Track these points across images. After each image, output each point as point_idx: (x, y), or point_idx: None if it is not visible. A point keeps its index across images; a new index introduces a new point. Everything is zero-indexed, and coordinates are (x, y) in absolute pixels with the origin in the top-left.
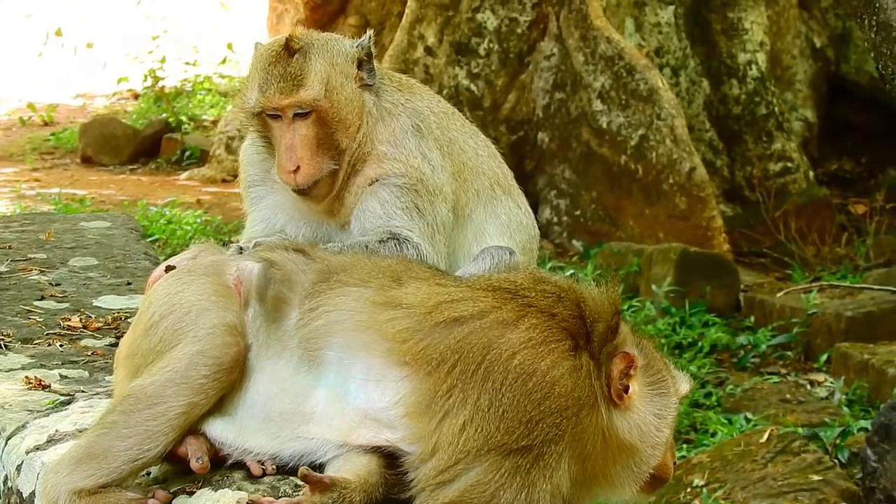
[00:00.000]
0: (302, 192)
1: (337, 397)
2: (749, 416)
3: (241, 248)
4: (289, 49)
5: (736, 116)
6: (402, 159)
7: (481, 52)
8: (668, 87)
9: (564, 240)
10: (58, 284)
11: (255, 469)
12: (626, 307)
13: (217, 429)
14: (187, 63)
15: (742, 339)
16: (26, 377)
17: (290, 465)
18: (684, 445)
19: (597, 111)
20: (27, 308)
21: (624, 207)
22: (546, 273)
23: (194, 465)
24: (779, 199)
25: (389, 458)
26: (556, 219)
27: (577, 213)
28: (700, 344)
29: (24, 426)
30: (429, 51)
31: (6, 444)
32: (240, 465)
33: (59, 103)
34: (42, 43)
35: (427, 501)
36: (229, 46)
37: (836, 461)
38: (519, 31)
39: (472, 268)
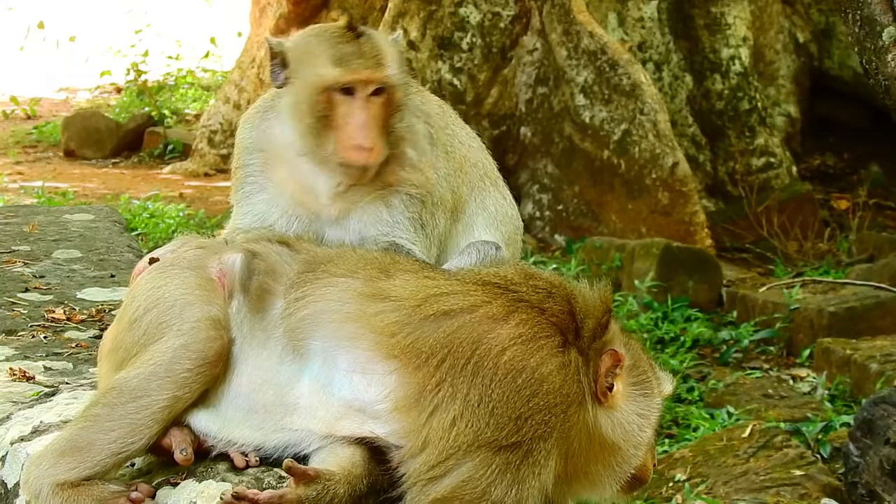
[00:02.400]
0: (359, 173)
1: (321, 388)
2: (731, 410)
3: (225, 241)
4: (353, 30)
5: (719, 111)
6: (420, 168)
7: (464, 46)
8: (651, 82)
9: (547, 234)
10: (42, 276)
11: (239, 461)
12: None
13: (201, 421)
14: (170, 57)
15: (724, 334)
16: (10, 369)
17: (275, 456)
18: (666, 440)
19: (579, 106)
20: (11, 300)
21: (606, 202)
22: (536, 269)
23: (178, 456)
24: (761, 195)
25: (377, 452)
26: (538, 213)
27: (560, 207)
28: (682, 339)
29: (8, 417)
30: (412, 45)
31: None
32: (224, 457)
33: (43, 97)
34: (24, 36)
35: (418, 497)
36: (212, 41)
37: (818, 456)
38: (502, 25)
39: (458, 262)
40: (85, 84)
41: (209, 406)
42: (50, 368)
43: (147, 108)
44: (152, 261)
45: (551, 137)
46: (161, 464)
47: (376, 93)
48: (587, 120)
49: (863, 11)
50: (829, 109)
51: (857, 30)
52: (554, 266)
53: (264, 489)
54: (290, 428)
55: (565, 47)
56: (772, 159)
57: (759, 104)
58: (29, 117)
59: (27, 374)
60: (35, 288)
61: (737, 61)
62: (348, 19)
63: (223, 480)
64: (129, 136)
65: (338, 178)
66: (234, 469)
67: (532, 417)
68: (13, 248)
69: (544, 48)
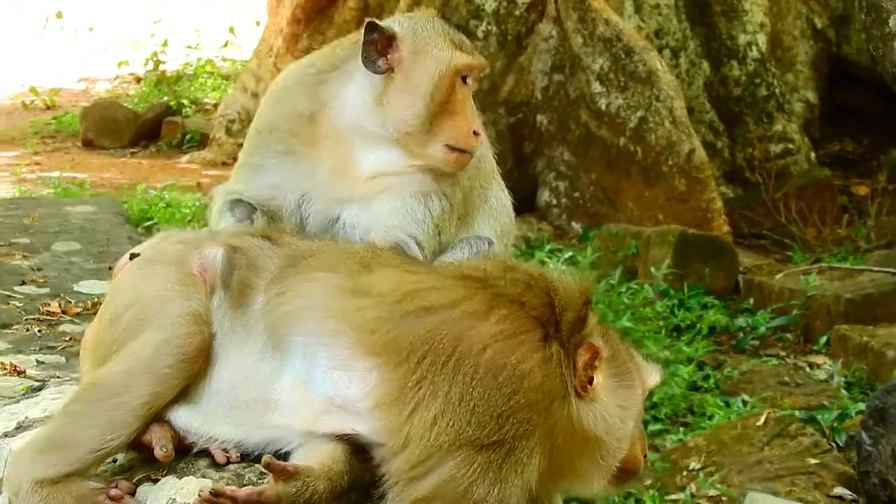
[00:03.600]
0: (464, 159)
1: (302, 384)
2: (746, 398)
3: (208, 234)
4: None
5: (736, 98)
6: (459, 174)
7: (479, 34)
8: (668, 68)
9: (563, 222)
10: (40, 269)
11: (220, 457)
12: (624, 289)
13: (182, 417)
14: (189, 47)
15: (741, 321)
16: (1, 363)
17: (256, 453)
18: (681, 429)
19: (595, 93)
20: (7, 293)
21: (623, 189)
22: (516, 261)
23: (158, 453)
24: (779, 181)
25: (360, 448)
26: (554, 201)
27: (576, 195)
28: (698, 326)
29: None
30: None
31: None
32: (205, 453)
33: (63, 87)
34: (41, 27)
35: (400, 496)
36: (231, 30)
37: (833, 444)
38: (517, 13)
39: (450, 257)
40: (104, 74)
41: (190, 402)
42: (42, 362)
43: (166, 98)
44: (133, 256)
45: (567, 125)
46: (142, 460)
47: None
48: (603, 107)
49: None
50: (848, 95)
51: (863, 16)
52: (570, 254)
53: (244, 485)
54: (271, 425)
55: (581, 34)
56: (790, 145)
57: (777, 90)
58: (48, 108)
59: (18, 369)
60: (32, 281)
61: (754, 47)
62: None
63: (203, 477)
64: (148, 125)
65: (434, 162)
66: (215, 465)
67: (514, 415)
68: (12, 240)
69: (560, 35)
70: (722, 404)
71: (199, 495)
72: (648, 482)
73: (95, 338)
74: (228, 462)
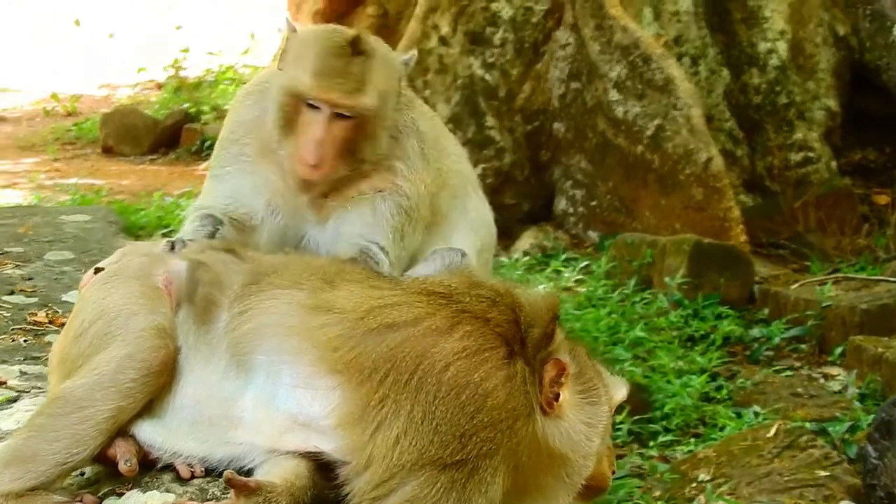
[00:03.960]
0: (305, 184)
1: (265, 402)
2: (758, 410)
3: (172, 245)
4: (354, 48)
5: (756, 106)
6: (412, 179)
7: (496, 41)
8: (687, 76)
9: (580, 230)
10: (30, 279)
11: (184, 472)
12: (638, 299)
13: (146, 432)
14: (210, 53)
15: (755, 331)
16: None
17: (220, 468)
18: (692, 440)
19: (613, 101)
20: None
21: (640, 198)
22: (481, 277)
23: (122, 467)
24: (799, 190)
25: (325, 465)
26: (571, 209)
27: (593, 203)
28: (712, 336)
29: None
30: (443, 41)
31: None
32: (170, 468)
33: (84, 94)
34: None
35: None
36: (252, 36)
37: (843, 457)
38: (534, 20)
39: (423, 269)
40: (126, 81)
41: (154, 417)
42: (25, 373)
43: (186, 105)
44: (97, 271)
45: (585, 133)
46: (108, 474)
47: (345, 116)
48: (620, 115)
49: (873, 6)
50: (870, 103)
51: (867, 25)
52: (585, 263)
53: (208, 500)
54: (234, 441)
55: (598, 42)
56: (810, 154)
57: (798, 98)
58: (69, 114)
59: (2, 381)
60: (21, 290)
61: (774, 55)
62: (357, 34)
63: (167, 491)
64: (167, 132)
65: (288, 180)
66: (180, 480)
67: (477, 434)
68: (6, 249)
69: (577, 43)
70: (734, 415)
71: None
72: (657, 493)
73: (62, 352)
74: (193, 477)
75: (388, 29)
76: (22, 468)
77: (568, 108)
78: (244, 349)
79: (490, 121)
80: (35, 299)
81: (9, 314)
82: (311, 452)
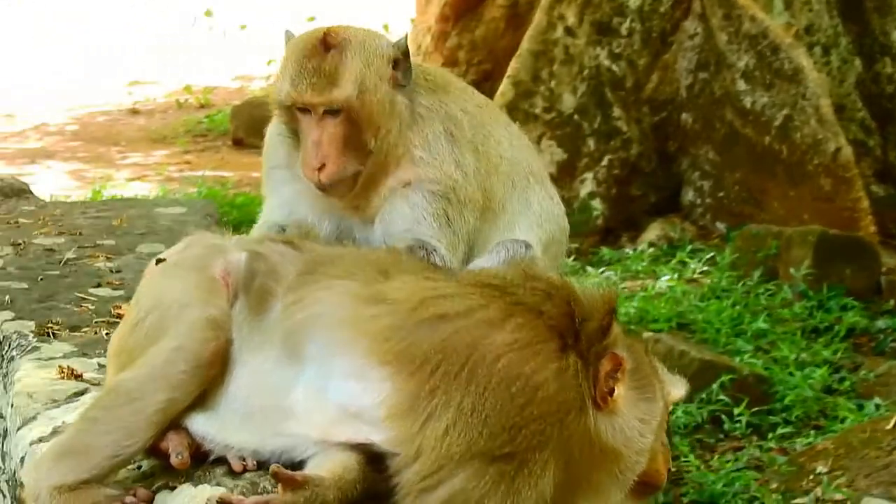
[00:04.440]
0: (323, 189)
1: (316, 393)
2: (879, 402)
3: (234, 240)
4: (325, 44)
5: (889, 95)
6: (435, 165)
7: (623, 31)
8: (818, 66)
9: (707, 221)
10: (118, 271)
11: (237, 465)
12: (762, 290)
13: (199, 424)
14: None
15: (881, 323)
16: (60, 366)
17: (272, 461)
18: (812, 432)
19: (740, 91)
20: (81, 296)
21: (768, 189)
22: (539, 270)
23: (174, 460)
24: None
25: (375, 459)
26: (698, 200)
27: (721, 194)
28: (836, 328)
29: (34, 418)
30: (569, 31)
31: (16, 434)
32: (223, 461)
33: (218, 86)
34: (190, 25)
35: None
36: (385, 27)
37: None
38: (661, 10)
39: (485, 261)
40: (259, 72)
41: (207, 409)
42: (104, 366)
43: None
44: (159, 262)
45: (712, 123)
46: (163, 468)
47: (333, 112)
48: (748, 105)
49: None
50: None
51: None
52: (711, 254)
53: (260, 493)
54: (286, 433)
55: (726, 32)
56: None
57: None
58: (202, 106)
59: (76, 373)
60: (108, 283)
61: None
62: (327, 31)
63: (219, 485)
64: None
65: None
66: (232, 473)
67: (527, 427)
68: (98, 242)
69: (705, 33)
70: (854, 407)
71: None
72: (774, 486)
73: (119, 343)
74: (245, 470)
75: (520, 19)
76: (74, 461)
77: (695, 99)
78: (296, 339)
79: (617, 111)
80: (121, 292)
81: (94, 307)
82: (361, 444)
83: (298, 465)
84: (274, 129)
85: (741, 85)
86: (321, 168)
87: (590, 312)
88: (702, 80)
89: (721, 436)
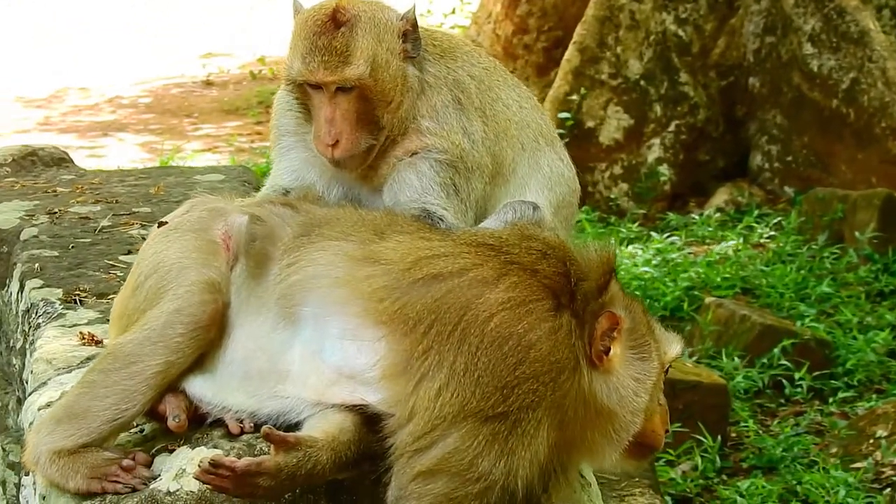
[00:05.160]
0: (336, 164)
1: (312, 355)
2: None
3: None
4: (335, 21)
5: None
6: (443, 134)
7: None
8: (884, 28)
9: (775, 186)
10: None
11: (234, 427)
12: (827, 254)
13: (196, 386)
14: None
15: None
16: (81, 333)
17: (268, 423)
18: (874, 396)
19: (807, 55)
20: (111, 262)
21: (836, 152)
22: (536, 230)
23: (171, 423)
24: None
25: (371, 421)
26: (766, 165)
27: (788, 158)
28: None
29: (45, 383)
30: None
31: (26, 399)
32: (220, 423)
33: None
34: None
35: (404, 468)
36: None
37: None
38: None
39: (493, 222)
40: None
41: (205, 372)
42: None
43: None
44: (160, 224)
45: (780, 87)
46: (164, 431)
47: (345, 89)
48: (815, 69)
49: None
50: None
51: None
52: (777, 219)
53: (256, 455)
54: (282, 395)
55: None
56: None
57: None
58: (275, 77)
59: (96, 339)
60: (138, 250)
61: None
62: (336, 6)
63: (215, 447)
64: None
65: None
66: (229, 435)
67: (519, 386)
68: (134, 210)
69: None
70: None
71: (199, 466)
72: (834, 450)
73: (120, 307)
74: (242, 432)
75: None
76: (74, 425)
77: (763, 63)
78: (292, 301)
79: (684, 77)
80: None
81: (122, 274)
82: (356, 405)
83: (295, 427)
84: (283, 97)
85: (808, 48)
86: (334, 144)
87: (586, 272)
88: (768, 44)
89: (782, 400)
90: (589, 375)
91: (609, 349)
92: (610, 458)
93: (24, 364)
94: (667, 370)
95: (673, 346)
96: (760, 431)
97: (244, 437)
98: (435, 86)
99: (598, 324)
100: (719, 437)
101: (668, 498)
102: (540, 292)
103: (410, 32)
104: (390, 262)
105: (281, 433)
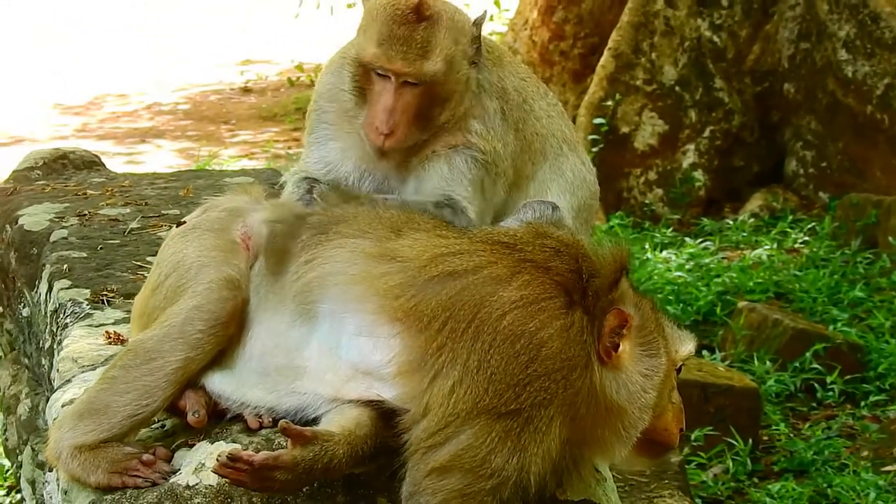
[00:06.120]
0: (382, 153)
1: (329, 351)
2: None
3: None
4: (419, 14)
5: None
6: (487, 137)
7: (724, 2)
8: None
9: (810, 192)
10: None
11: (253, 422)
12: (861, 259)
13: (216, 382)
14: None
15: None
16: (107, 332)
17: (287, 418)
18: None
19: (842, 61)
20: (139, 263)
21: (870, 158)
22: (551, 228)
23: (190, 418)
24: None
25: (388, 416)
26: (801, 170)
27: (823, 164)
28: None
29: (69, 381)
30: (669, 2)
31: (51, 397)
32: (240, 419)
33: None
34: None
35: (418, 464)
36: (497, 3)
37: None
38: None
39: (512, 220)
40: None
41: (224, 368)
42: None
43: None
44: (179, 225)
45: (814, 93)
46: (184, 426)
47: (413, 83)
48: (850, 75)
49: None
50: None
51: None
52: (812, 224)
53: (274, 450)
54: (300, 391)
55: (826, 1)
56: None
57: None
58: (313, 84)
59: (121, 338)
60: None
61: None
62: (420, 0)
63: (234, 442)
64: None
65: (366, 147)
66: (248, 430)
67: (531, 384)
68: (163, 212)
69: (806, 2)
70: None
71: (218, 460)
72: (865, 454)
73: (141, 306)
74: (261, 427)
75: None
76: (94, 421)
77: (798, 69)
78: (309, 298)
79: (718, 82)
80: None
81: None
82: (372, 401)
83: (313, 423)
84: (329, 81)
85: (842, 54)
86: (388, 134)
87: (598, 269)
88: (803, 50)
89: (813, 404)
90: (599, 372)
91: (618, 346)
92: (620, 454)
93: (51, 364)
94: (679, 368)
95: (685, 344)
96: (792, 435)
97: (263, 431)
98: (488, 91)
99: (606, 320)
100: (750, 441)
101: (698, 500)
102: (552, 290)
103: (477, 39)
104: (406, 260)
105: (298, 427)
